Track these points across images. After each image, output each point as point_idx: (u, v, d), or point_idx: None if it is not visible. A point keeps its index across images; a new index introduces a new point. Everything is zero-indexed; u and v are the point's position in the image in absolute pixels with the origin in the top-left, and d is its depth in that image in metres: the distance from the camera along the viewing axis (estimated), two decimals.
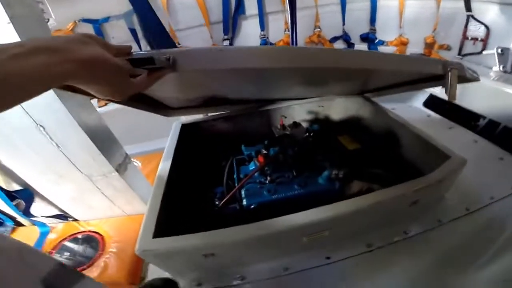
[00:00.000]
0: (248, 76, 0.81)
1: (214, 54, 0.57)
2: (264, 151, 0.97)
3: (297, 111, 1.25)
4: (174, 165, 0.94)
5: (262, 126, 1.22)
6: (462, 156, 0.78)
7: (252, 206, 0.85)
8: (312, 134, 1.04)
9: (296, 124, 1.06)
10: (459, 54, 1.92)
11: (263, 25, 2.39)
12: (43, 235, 1.09)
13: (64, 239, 1.07)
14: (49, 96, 0.75)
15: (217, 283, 0.81)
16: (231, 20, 2.36)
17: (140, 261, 0.95)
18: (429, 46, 2.09)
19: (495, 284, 0.72)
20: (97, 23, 2.10)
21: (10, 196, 1.06)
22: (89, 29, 2.09)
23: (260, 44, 2.41)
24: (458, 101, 0.71)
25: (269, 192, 0.87)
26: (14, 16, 0.67)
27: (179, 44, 2.33)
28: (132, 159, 1.18)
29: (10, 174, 1.00)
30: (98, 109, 0.90)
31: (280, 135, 1.02)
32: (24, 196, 1.07)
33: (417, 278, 0.76)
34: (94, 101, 0.77)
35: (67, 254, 1.01)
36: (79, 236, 1.08)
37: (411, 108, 1.64)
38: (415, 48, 2.18)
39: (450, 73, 0.69)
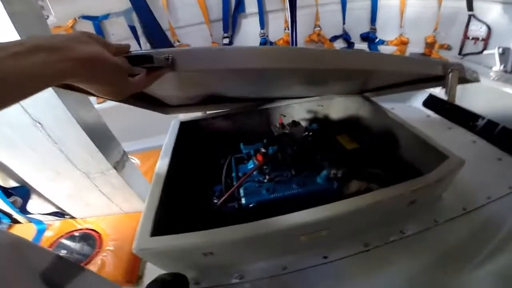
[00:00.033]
0: (248, 75, 0.81)
1: (214, 54, 0.56)
2: (263, 150, 0.97)
3: (297, 110, 1.25)
4: (172, 163, 0.94)
5: (261, 125, 1.22)
6: (460, 156, 0.78)
7: (251, 205, 0.85)
8: (311, 133, 1.04)
9: (295, 123, 1.06)
10: (460, 53, 1.92)
11: (263, 24, 2.37)
12: (40, 232, 1.08)
13: (61, 236, 1.07)
14: (47, 93, 0.75)
15: (215, 282, 0.81)
16: (231, 18, 2.35)
17: (138, 259, 0.95)
18: (430, 45, 2.08)
19: (491, 283, 0.73)
20: (97, 20, 2.09)
21: (7, 193, 1.05)
22: (88, 26, 2.08)
23: (260, 43, 2.41)
24: (458, 101, 0.70)
25: (268, 191, 0.87)
26: (14, 13, 0.66)
27: (178, 41, 2.33)
28: (130, 156, 1.18)
29: (6, 171, 0.99)
30: (96, 106, 0.89)
31: (279, 134, 1.02)
32: (21, 193, 1.06)
33: (414, 278, 0.76)
34: (93, 98, 0.77)
35: (64, 251, 1.01)
36: (76, 233, 1.07)
37: (410, 108, 1.64)
38: (415, 47, 2.17)
39: (450, 74, 0.69)
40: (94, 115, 0.90)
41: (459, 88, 0.70)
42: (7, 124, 0.81)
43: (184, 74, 0.66)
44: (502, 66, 1.46)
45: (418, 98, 1.64)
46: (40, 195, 1.07)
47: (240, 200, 0.87)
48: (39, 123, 0.81)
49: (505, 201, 0.93)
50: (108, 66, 0.41)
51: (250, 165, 0.99)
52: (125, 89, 0.46)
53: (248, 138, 1.10)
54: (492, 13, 1.70)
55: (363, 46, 2.37)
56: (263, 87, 1.01)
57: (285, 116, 1.23)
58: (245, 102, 1.21)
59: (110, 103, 1.65)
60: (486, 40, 1.74)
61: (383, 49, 2.29)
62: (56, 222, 1.14)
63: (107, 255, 0.96)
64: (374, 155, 1.01)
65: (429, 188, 0.74)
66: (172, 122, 1.15)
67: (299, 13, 1.78)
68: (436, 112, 1.51)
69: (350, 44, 2.39)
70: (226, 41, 2.38)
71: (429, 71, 0.72)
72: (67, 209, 1.12)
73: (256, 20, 2.36)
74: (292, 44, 1.86)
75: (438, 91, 1.51)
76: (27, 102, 0.77)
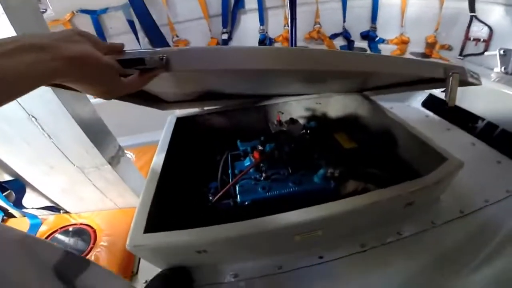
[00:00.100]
0: (245, 75, 0.80)
1: (210, 54, 0.55)
2: (260, 147, 0.96)
3: (294, 107, 1.24)
4: (168, 158, 0.93)
5: (259, 122, 1.21)
6: (459, 158, 0.78)
7: (246, 203, 0.84)
8: (309, 131, 1.03)
9: (293, 121, 1.05)
10: (461, 54, 1.91)
11: (262, 20, 2.36)
12: (34, 227, 1.07)
13: (55, 231, 1.06)
14: (42, 87, 0.73)
15: (209, 280, 0.80)
16: (230, 14, 2.34)
17: (132, 255, 0.94)
18: (430, 45, 2.08)
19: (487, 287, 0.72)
20: (95, 14, 2.07)
21: (1, 187, 1.05)
22: (87, 20, 2.06)
23: (259, 39, 2.40)
24: (458, 102, 0.69)
25: (264, 189, 0.86)
26: (9, 7, 0.65)
27: (177, 36, 2.32)
28: (126, 151, 1.17)
29: (0, 164, 0.98)
30: (92, 100, 0.88)
31: (277, 131, 1.01)
32: (15, 187, 1.05)
33: (410, 279, 0.76)
34: None
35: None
36: (70, 228, 1.06)
37: (410, 108, 1.63)
38: (416, 47, 2.17)
39: (451, 77, 0.68)
40: (90, 109, 0.89)
41: (459, 89, 0.69)
42: (1, 117, 0.80)
43: (180, 73, 0.64)
44: (503, 68, 1.45)
45: (417, 98, 1.64)
46: (34, 189, 1.06)
47: (236, 197, 0.86)
48: (34, 117, 0.80)
49: (503, 205, 0.92)
50: (98, 65, 0.40)
51: (247, 162, 0.98)
52: (117, 89, 0.45)
53: (245, 135, 1.09)
54: (494, 14, 1.70)
55: (363, 44, 2.36)
56: (261, 85, 1.00)
57: (283, 113, 1.22)
58: (243, 99, 1.20)
59: None
60: (487, 41, 1.73)
61: (383, 48, 2.28)
62: (51, 217, 1.13)
63: (101, 251, 0.96)
64: (372, 155, 1.00)
65: (427, 190, 0.73)
66: (168, 118, 1.14)
67: (299, 10, 1.76)
68: (435, 112, 1.50)
69: (350, 42, 2.38)
70: (225, 36, 2.37)
71: (429, 73, 0.70)
72: (62, 204, 1.11)
73: (255, 16, 2.35)
74: (292, 41, 1.84)
75: (438, 91, 1.51)
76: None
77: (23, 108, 0.77)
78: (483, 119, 1.29)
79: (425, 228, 0.86)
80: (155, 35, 2.13)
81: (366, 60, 0.66)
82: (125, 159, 1.02)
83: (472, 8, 1.79)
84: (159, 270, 0.78)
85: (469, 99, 1.33)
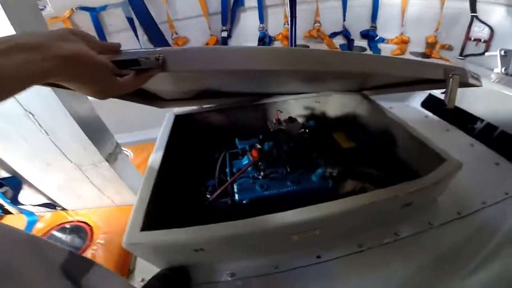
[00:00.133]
0: (244, 75, 0.79)
1: (207, 55, 0.54)
2: (258, 146, 0.96)
3: (293, 106, 1.23)
4: (166, 156, 0.92)
5: (257, 120, 1.21)
6: (458, 159, 0.77)
7: (244, 201, 0.84)
8: (307, 130, 1.03)
9: (291, 119, 1.04)
10: (461, 54, 1.91)
11: (262, 18, 2.35)
12: (31, 224, 1.07)
13: (52, 228, 1.05)
14: None
15: (206, 279, 0.80)
16: (230, 12, 2.33)
17: (129, 253, 0.93)
18: (431, 45, 2.07)
19: None
20: (95, 11, 2.06)
21: None
22: (86, 17, 2.05)
23: (259, 37, 2.39)
24: (457, 102, 0.69)
25: (262, 187, 0.86)
26: (7, 4, 0.64)
27: (176, 33, 2.31)
28: (124, 148, 1.16)
29: None
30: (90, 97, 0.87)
31: (275, 130, 1.00)
32: (12, 184, 1.05)
33: (407, 280, 0.76)
34: None
35: None
36: (67, 226, 1.06)
37: (409, 108, 1.63)
38: (416, 47, 2.16)
39: (451, 79, 0.67)
40: (88, 106, 0.89)
41: (459, 89, 0.69)
42: None
43: (178, 73, 0.64)
44: (503, 69, 1.45)
45: (417, 98, 1.63)
46: (31, 186, 1.05)
47: (234, 196, 0.86)
48: (31, 113, 0.79)
49: (500, 207, 0.92)
50: (91, 64, 0.39)
51: (245, 160, 0.98)
52: (112, 89, 0.44)
53: (243, 133, 1.09)
54: (495, 15, 1.69)
55: (363, 43, 2.35)
56: (259, 84, 1.00)
57: (281, 111, 1.22)
58: (242, 97, 1.20)
59: None
60: (488, 42, 1.73)
61: (383, 47, 2.27)
62: (47, 214, 1.12)
63: (98, 248, 0.95)
64: (370, 155, 1.00)
65: (425, 191, 0.73)
66: (166, 115, 1.14)
67: (299, 8, 1.76)
68: (435, 113, 1.50)
69: (350, 41, 2.37)
70: (225, 34, 2.36)
71: (429, 75, 0.70)
72: (59, 201, 1.11)
73: (255, 14, 2.34)
74: (291, 39, 1.84)
75: (438, 92, 1.50)
76: None
77: (20, 104, 0.77)
78: (482, 120, 1.29)
79: (423, 229, 0.86)
80: (154, 33, 2.13)
81: (366, 61, 0.65)
82: (122, 157, 1.02)
83: (473, 8, 1.78)
84: (156, 268, 0.78)
85: (469, 100, 1.33)
